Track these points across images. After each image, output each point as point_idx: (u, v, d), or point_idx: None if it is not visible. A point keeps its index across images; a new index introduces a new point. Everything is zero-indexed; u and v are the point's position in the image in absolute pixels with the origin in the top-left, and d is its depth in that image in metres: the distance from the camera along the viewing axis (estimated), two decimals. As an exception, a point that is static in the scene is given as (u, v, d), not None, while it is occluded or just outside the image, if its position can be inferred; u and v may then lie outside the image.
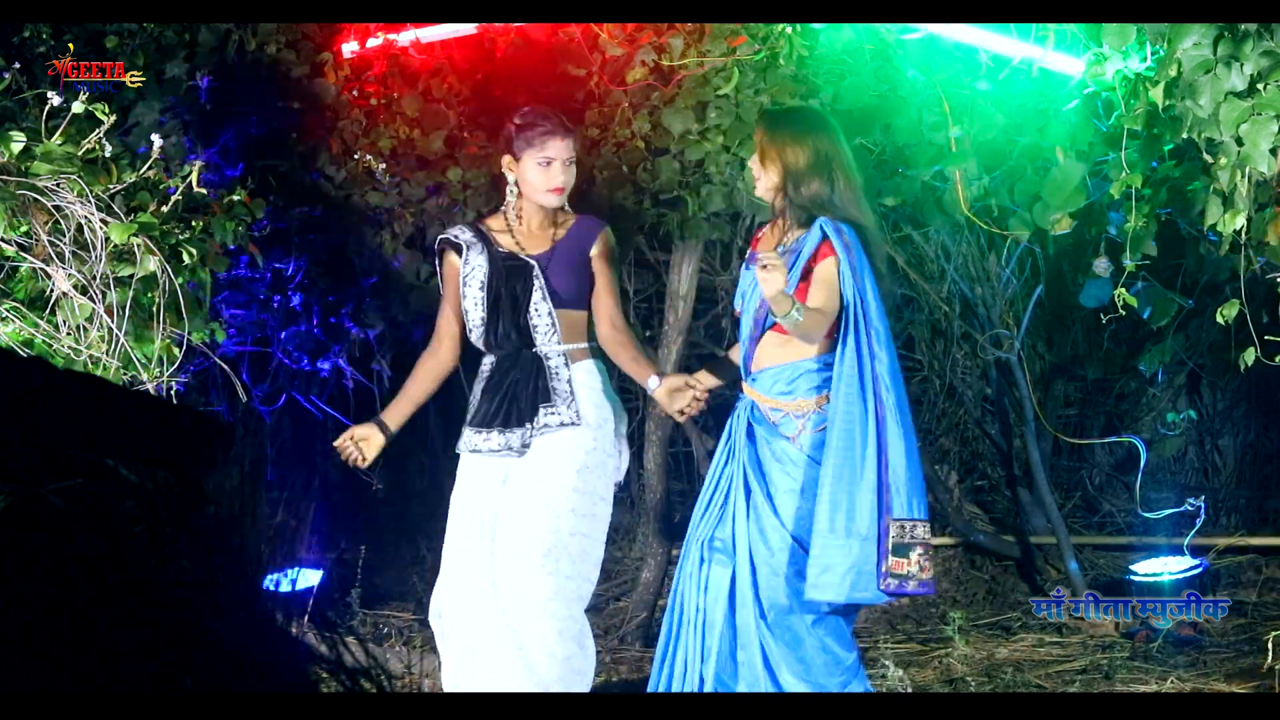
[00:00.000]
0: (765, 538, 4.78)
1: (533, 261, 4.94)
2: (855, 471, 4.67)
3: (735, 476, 4.86)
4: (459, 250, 4.98)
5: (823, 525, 4.67)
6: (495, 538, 4.87)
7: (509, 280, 4.92)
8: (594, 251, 5.03)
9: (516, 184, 4.98)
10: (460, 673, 4.88)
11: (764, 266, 4.54)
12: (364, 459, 5.01)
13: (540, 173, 4.93)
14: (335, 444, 5.06)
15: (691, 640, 4.87)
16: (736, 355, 5.04)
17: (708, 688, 4.82)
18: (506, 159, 4.99)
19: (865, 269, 4.73)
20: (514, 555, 4.85)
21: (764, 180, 4.87)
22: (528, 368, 4.95)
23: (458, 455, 5.05)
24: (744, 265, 5.02)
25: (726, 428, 4.97)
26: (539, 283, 4.93)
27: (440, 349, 5.08)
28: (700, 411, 5.11)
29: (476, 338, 4.99)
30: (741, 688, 4.80)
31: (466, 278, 4.96)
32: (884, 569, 4.66)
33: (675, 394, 4.96)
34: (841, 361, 4.70)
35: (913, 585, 4.70)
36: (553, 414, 4.93)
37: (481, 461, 4.94)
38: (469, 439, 4.97)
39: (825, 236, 4.73)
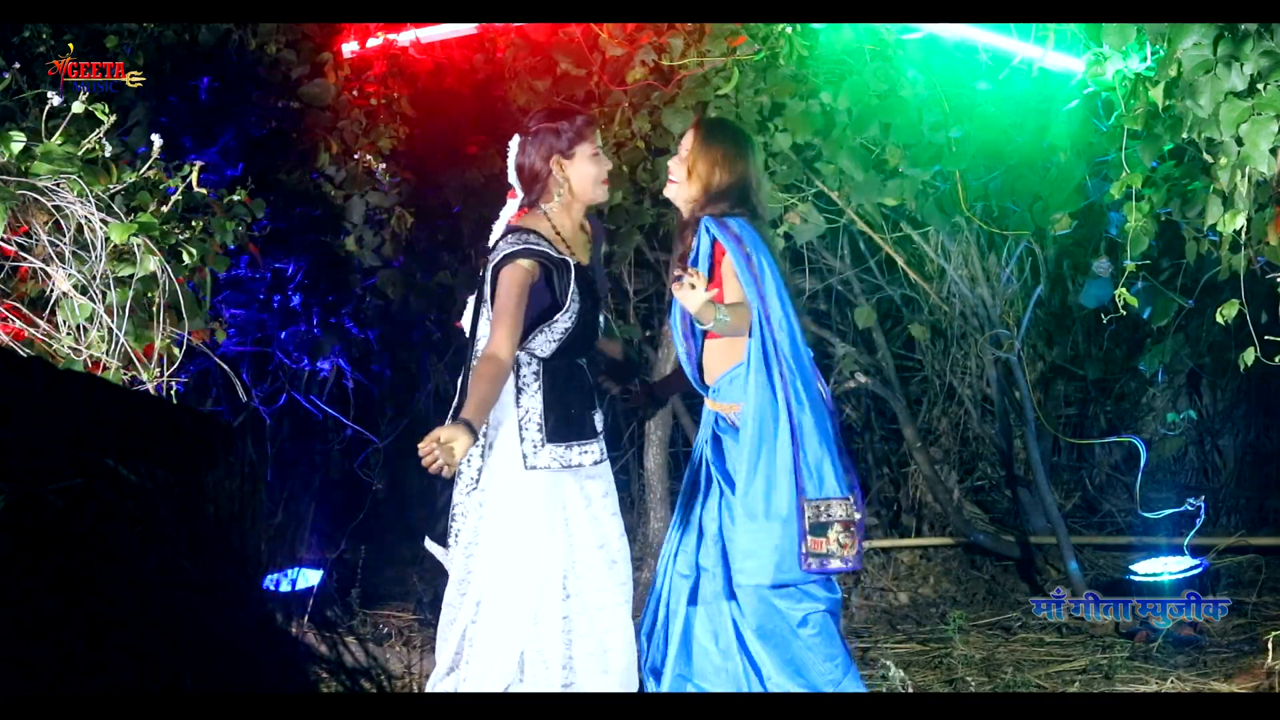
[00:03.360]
0: (739, 544, 4.82)
1: (593, 275, 4.88)
2: (771, 456, 4.75)
3: (706, 488, 4.91)
4: (552, 265, 4.74)
5: (741, 512, 4.77)
6: (574, 538, 4.83)
7: (589, 293, 4.84)
8: (603, 252, 5.04)
9: (568, 183, 4.80)
10: (499, 676, 4.81)
11: (683, 283, 4.60)
12: (451, 464, 4.50)
13: (596, 165, 4.81)
14: (420, 447, 4.49)
15: (654, 653, 4.93)
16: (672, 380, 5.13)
17: (664, 686, 4.87)
18: (555, 159, 4.77)
19: (759, 256, 4.76)
20: (605, 561, 4.88)
21: (680, 187, 4.90)
22: (578, 376, 4.90)
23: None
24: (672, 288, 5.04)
25: (699, 442, 5.02)
26: (602, 296, 4.91)
27: (508, 358, 4.68)
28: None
29: (553, 341, 4.78)
30: (696, 678, 4.85)
31: (568, 291, 4.74)
32: (804, 549, 4.72)
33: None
34: (750, 353, 4.78)
35: (835, 563, 4.75)
36: (600, 419, 4.96)
37: (560, 477, 4.79)
38: (559, 454, 4.76)
39: (714, 237, 4.79)
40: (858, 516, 4.82)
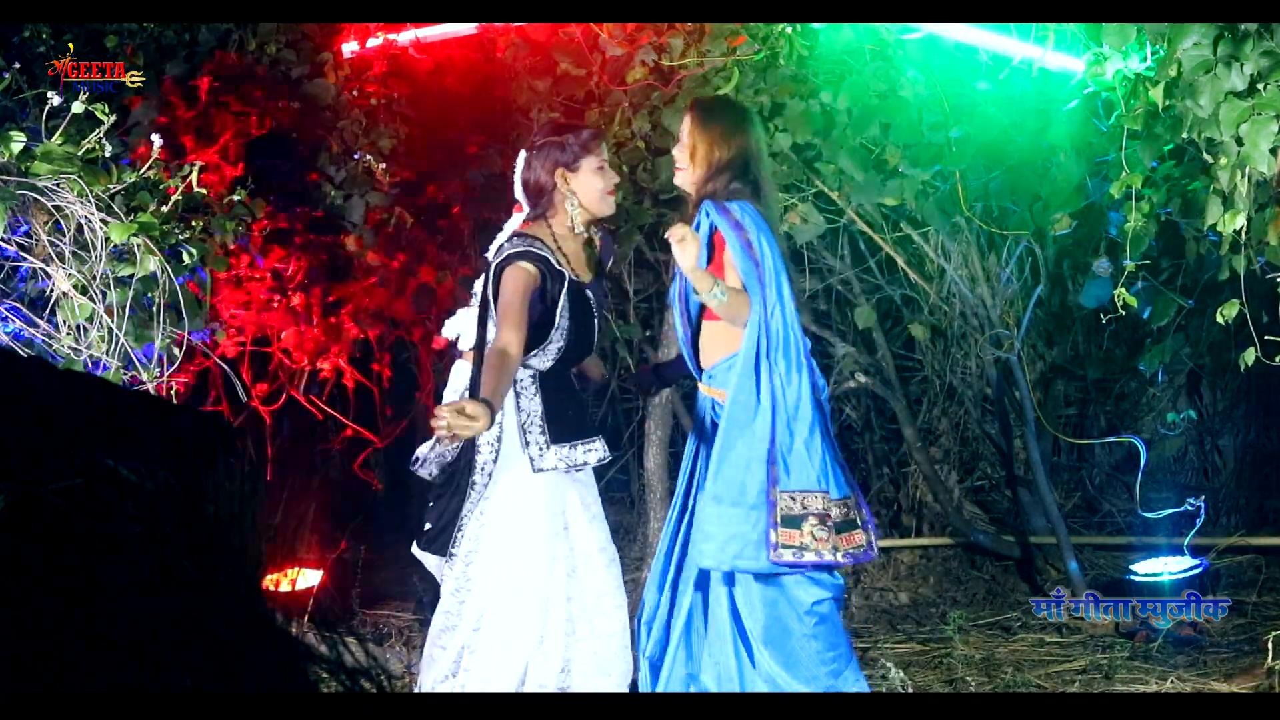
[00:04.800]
0: (700, 525, 4.80)
1: (591, 294, 4.87)
2: (744, 442, 4.69)
3: (700, 475, 4.90)
4: (549, 274, 4.75)
5: (708, 492, 4.72)
6: (575, 550, 4.84)
7: (583, 310, 4.83)
8: (609, 267, 5.05)
9: (575, 196, 4.80)
10: (504, 685, 4.81)
11: (680, 239, 4.54)
12: (462, 436, 4.46)
13: (602, 178, 4.82)
14: (439, 410, 4.34)
15: (656, 634, 4.92)
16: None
17: (675, 687, 4.85)
18: (560, 173, 4.78)
19: (761, 243, 4.74)
20: (606, 562, 4.89)
21: (686, 172, 4.89)
22: (566, 378, 4.90)
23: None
24: (674, 273, 5.02)
25: (693, 430, 5.01)
26: (597, 313, 4.89)
27: (518, 354, 4.63)
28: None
29: (548, 359, 4.80)
30: (705, 677, 4.83)
31: (557, 304, 4.76)
32: (773, 539, 4.64)
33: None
34: (743, 338, 4.73)
35: (809, 556, 4.65)
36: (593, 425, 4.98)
37: (558, 478, 4.81)
38: (564, 454, 4.78)
39: (714, 224, 4.76)
40: (856, 516, 4.76)
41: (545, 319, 4.74)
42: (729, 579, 4.82)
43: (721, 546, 4.68)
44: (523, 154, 4.86)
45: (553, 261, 4.75)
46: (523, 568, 4.76)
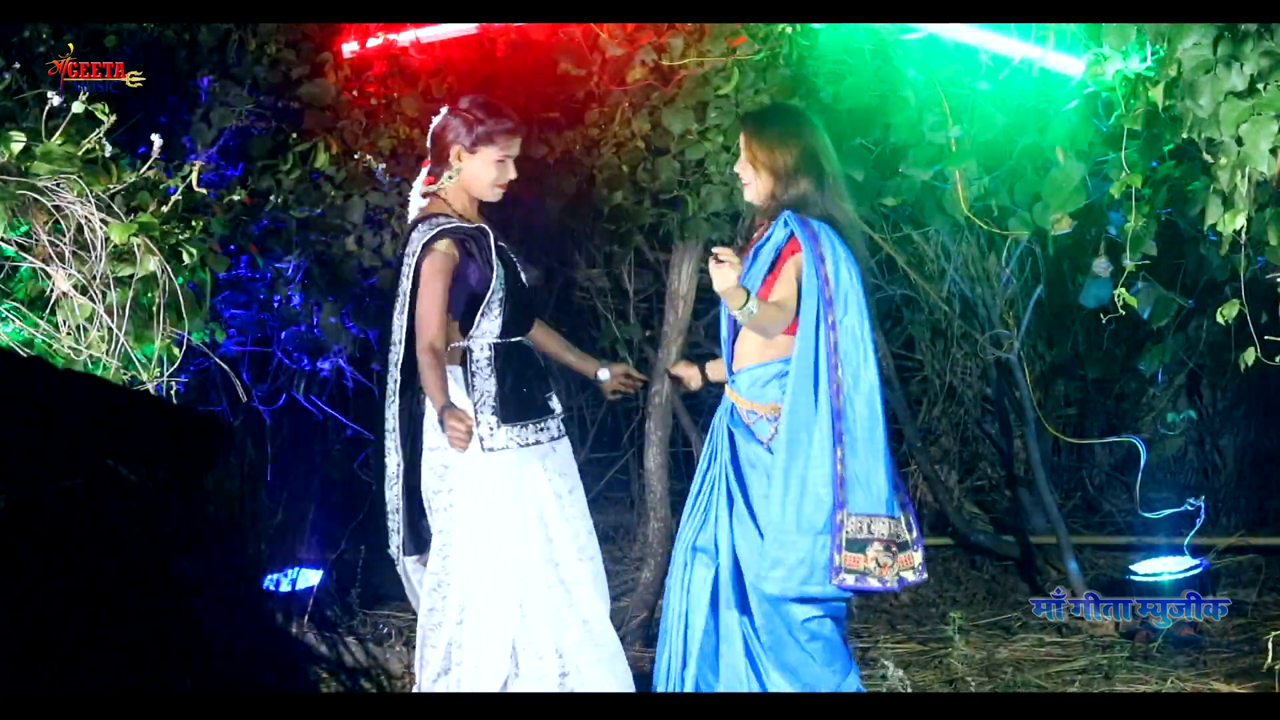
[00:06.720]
0: (747, 542, 4.78)
1: (506, 246, 4.96)
2: (807, 464, 4.66)
3: (717, 480, 4.87)
4: (468, 236, 4.83)
5: (774, 516, 4.68)
6: (549, 528, 4.85)
7: (512, 264, 4.92)
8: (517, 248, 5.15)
9: (457, 174, 4.89)
10: (493, 672, 4.81)
11: (719, 261, 4.54)
12: (468, 440, 4.69)
13: (495, 170, 4.89)
14: (452, 434, 4.65)
15: (674, 643, 4.89)
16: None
17: (688, 689, 4.84)
18: (456, 149, 4.88)
19: (838, 263, 4.72)
20: (584, 540, 4.90)
21: (754, 185, 4.87)
22: (525, 356, 4.93)
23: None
24: None
25: (710, 431, 4.99)
26: (520, 268, 4.97)
27: (444, 346, 4.78)
28: (696, 386, 5.21)
29: (495, 330, 4.84)
30: (722, 689, 4.81)
31: (490, 261, 4.83)
32: (837, 563, 4.63)
33: (617, 379, 5.21)
34: (795, 354, 4.70)
35: (871, 582, 4.66)
36: (556, 401, 4.97)
37: (520, 455, 4.82)
38: (516, 434, 4.81)
39: (791, 232, 4.74)
40: (908, 537, 4.74)
41: (482, 278, 4.81)
42: (739, 594, 4.80)
43: (791, 572, 4.67)
44: (444, 109, 4.97)
45: (466, 226, 4.84)
46: (496, 552, 4.79)
